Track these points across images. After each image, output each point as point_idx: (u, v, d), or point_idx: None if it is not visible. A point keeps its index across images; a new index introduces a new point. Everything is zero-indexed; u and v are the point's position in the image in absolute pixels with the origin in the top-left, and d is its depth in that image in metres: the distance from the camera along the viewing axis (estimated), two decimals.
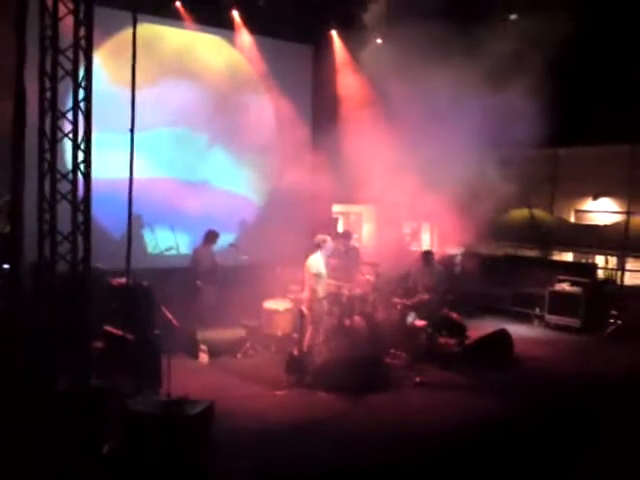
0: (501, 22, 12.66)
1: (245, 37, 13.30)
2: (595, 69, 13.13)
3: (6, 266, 8.87)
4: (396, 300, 11.41)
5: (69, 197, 7.10)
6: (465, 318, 12.15)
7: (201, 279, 11.38)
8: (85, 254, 7.07)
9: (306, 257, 10.27)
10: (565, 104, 12.10)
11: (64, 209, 7.20)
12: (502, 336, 11.42)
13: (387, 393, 9.39)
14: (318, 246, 10.23)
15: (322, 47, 14.39)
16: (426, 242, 16.63)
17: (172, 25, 12.54)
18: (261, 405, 8.70)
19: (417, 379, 9.90)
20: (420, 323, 11.22)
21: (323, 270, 10.12)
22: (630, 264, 15.63)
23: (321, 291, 10.06)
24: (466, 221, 13.45)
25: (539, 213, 17.11)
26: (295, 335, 10.13)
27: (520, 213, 17.02)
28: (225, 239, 12.15)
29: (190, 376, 9.29)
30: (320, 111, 14.46)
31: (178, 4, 12.28)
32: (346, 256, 12.04)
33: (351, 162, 12.98)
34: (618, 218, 16.15)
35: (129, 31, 7.99)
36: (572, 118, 13.24)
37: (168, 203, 12.25)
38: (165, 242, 12.04)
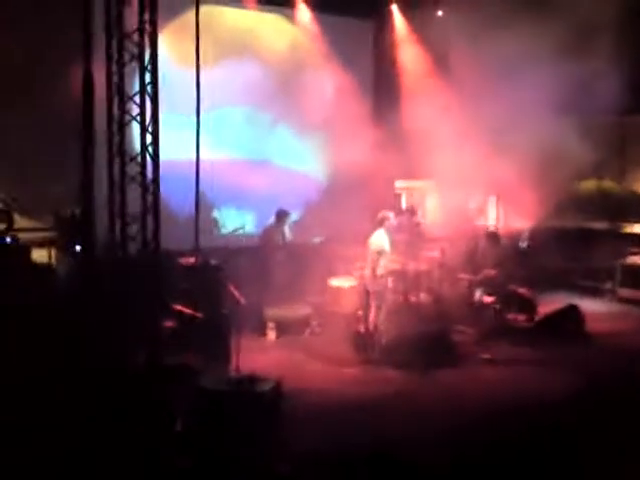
0: None
1: (305, 14, 13.27)
2: None
3: (78, 247, 9.14)
4: (463, 276, 11.30)
5: (138, 179, 7.22)
6: (535, 293, 11.94)
7: (271, 258, 11.46)
8: (155, 234, 7.19)
9: (369, 234, 10.24)
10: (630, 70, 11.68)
11: (133, 191, 7.34)
12: (572, 311, 11.22)
13: (455, 369, 9.36)
14: (381, 223, 10.18)
15: (383, 22, 14.22)
16: (492, 217, 16.36)
17: (233, 5, 12.57)
18: (329, 382, 8.76)
19: (485, 355, 9.81)
20: (488, 299, 11.09)
21: (386, 247, 10.07)
22: None
23: (384, 268, 10.01)
24: (533, 194, 13.20)
25: (608, 184, 16.64)
26: (360, 312, 10.13)
27: (589, 184, 16.58)
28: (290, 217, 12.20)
29: (258, 354, 9.41)
30: (381, 86, 14.34)
31: None
32: (411, 232, 11.95)
33: (414, 137, 12.85)
34: None
35: (192, 13, 8.07)
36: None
37: (234, 183, 12.31)
38: (232, 221, 12.17)
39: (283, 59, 13.10)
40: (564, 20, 11.05)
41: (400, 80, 14.17)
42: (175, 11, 11.32)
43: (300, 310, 11.14)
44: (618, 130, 16.26)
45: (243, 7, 12.60)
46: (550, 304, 11.67)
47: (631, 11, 10.79)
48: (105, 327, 7.25)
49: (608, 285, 13.93)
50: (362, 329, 9.74)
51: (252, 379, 7.15)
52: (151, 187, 7.18)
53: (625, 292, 13.59)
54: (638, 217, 16.09)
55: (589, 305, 12.41)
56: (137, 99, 7.24)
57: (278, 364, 9.14)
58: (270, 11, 13.11)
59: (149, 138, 7.20)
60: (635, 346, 10.58)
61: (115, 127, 7.12)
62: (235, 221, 12.10)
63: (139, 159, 7.20)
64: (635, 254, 13.76)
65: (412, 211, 12.86)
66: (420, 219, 13.03)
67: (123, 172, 7.13)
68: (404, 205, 15.74)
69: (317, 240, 11.96)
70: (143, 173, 7.17)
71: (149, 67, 7.19)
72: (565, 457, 6.77)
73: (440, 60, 13.53)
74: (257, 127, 12.90)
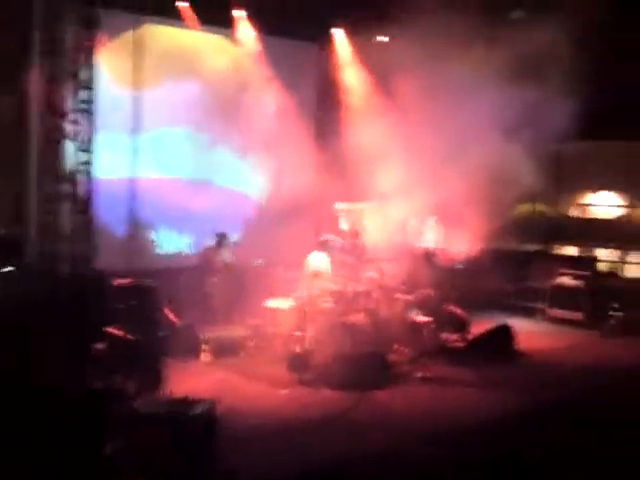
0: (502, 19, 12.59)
1: (248, 35, 13.24)
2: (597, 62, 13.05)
3: (9, 268, 8.91)
4: (399, 296, 11.42)
5: (71, 198, 7.12)
6: (469, 313, 12.14)
7: (208, 279, 11.40)
8: (87, 255, 7.09)
9: (308, 255, 10.30)
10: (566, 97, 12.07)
11: (67, 210, 7.24)
12: (504, 331, 11.47)
13: (391, 389, 9.40)
14: (321, 245, 10.29)
15: (326, 45, 14.35)
16: (430, 238, 16.60)
17: (175, 25, 12.46)
18: (265, 404, 8.69)
19: (420, 375, 9.93)
20: (423, 319, 11.25)
21: (325, 268, 10.15)
22: (631, 257, 15.63)
23: (322, 289, 10.08)
24: (471, 216, 13.44)
25: (542, 208, 17.10)
26: (298, 333, 10.14)
27: (524, 208, 17.00)
28: (229, 238, 12.15)
29: (193, 376, 9.28)
30: (324, 108, 14.46)
31: (181, 4, 12.22)
32: (353, 254, 12.05)
33: (355, 159, 12.97)
34: (620, 211, 16.14)
35: (132, 32, 8.03)
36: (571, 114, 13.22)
37: (172, 203, 12.21)
38: (169, 242, 12.05)
39: (225, 80, 13.03)
40: (508, 49, 11.33)
41: (342, 103, 14.29)
42: (116, 30, 11.17)
43: (236, 331, 11.07)
44: (553, 156, 16.78)
45: (185, 27, 12.51)
46: (484, 324, 11.88)
47: (575, 41, 11.11)
48: (34, 348, 7.09)
49: (539, 305, 14.26)
50: (299, 350, 9.74)
51: (186, 402, 7.06)
52: (84, 206, 7.08)
53: (556, 312, 13.94)
54: (567, 239, 16.61)
55: (521, 324, 12.69)
56: (72, 117, 7.15)
57: (213, 386, 9.02)
58: (213, 32, 13.07)
59: (83, 157, 7.11)
60: (564, 365, 10.88)
61: (48, 145, 7.02)
62: (173, 241, 11.99)
63: (72, 178, 7.09)
64: (564, 275, 14.13)
65: (355, 234, 12.93)
66: (362, 241, 13.13)
67: (55, 191, 7.02)
68: (344, 227, 15.86)
69: (258, 262, 11.93)
70: (75, 192, 7.07)
71: (85, 85, 7.12)
72: (500, 474, 6.88)
73: (383, 84, 13.72)
74: (198, 147, 12.83)
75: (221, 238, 11.69)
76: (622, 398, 9.11)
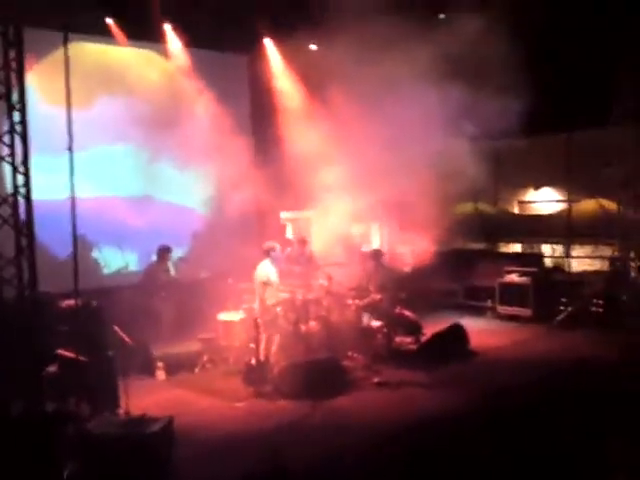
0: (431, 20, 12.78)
1: (178, 50, 13.16)
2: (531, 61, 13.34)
3: None
4: (349, 302, 11.47)
5: (11, 221, 6.97)
6: (419, 315, 12.26)
7: (155, 295, 11.28)
8: (31, 278, 6.95)
9: (257, 265, 10.28)
10: (501, 95, 12.29)
11: (7, 233, 7.08)
12: (456, 330, 11.61)
13: (347, 395, 9.42)
14: (266, 253, 10.28)
15: (257, 55, 14.38)
16: (376, 242, 16.73)
17: (104, 42, 12.35)
18: (221, 417, 8.66)
19: (376, 380, 9.97)
20: (375, 323, 11.31)
21: (273, 277, 10.15)
22: (575, 251, 15.99)
23: (272, 298, 10.07)
24: (413, 219, 13.59)
25: (484, 206, 17.40)
26: (251, 345, 10.10)
27: (465, 207, 17.27)
28: (175, 253, 12.05)
29: (148, 394, 9.20)
30: (260, 118, 14.47)
31: (109, 21, 12.11)
32: (302, 262, 12.07)
33: (295, 167, 13.00)
34: (561, 207, 16.50)
35: (61, 50, 7.91)
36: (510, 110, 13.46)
37: (114, 221, 12.08)
38: (114, 261, 11.88)
39: (158, 95, 12.95)
40: (437, 49, 11.49)
41: (277, 111, 14.32)
42: (45, 49, 11.07)
43: (189, 347, 10.97)
44: (491, 154, 17.08)
45: (113, 43, 12.40)
46: (435, 325, 12.00)
47: (515, 38, 11.31)
48: None
49: (488, 303, 14.48)
50: (253, 361, 9.70)
51: (141, 420, 6.98)
52: (24, 229, 6.94)
53: (505, 309, 14.18)
54: (511, 237, 16.93)
55: (472, 323, 12.86)
56: (7, 139, 7.01)
57: (168, 403, 8.94)
58: (142, 47, 12.98)
59: (21, 179, 6.98)
60: (515, 360, 11.07)
61: None
62: (117, 260, 11.83)
63: (11, 200, 6.95)
64: (511, 272, 14.37)
65: (302, 241, 12.96)
66: (309, 249, 13.16)
67: None
68: (290, 235, 15.89)
69: (203, 275, 11.85)
70: (15, 215, 6.93)
71: (18, 106, 7.00)
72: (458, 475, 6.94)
73: (316, 91, 13.79)
74: (136, 163, 12.68)
75: (163, 252, 11.58)
76: (572, 388, 9.30)
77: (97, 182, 12.00)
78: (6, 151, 7.04)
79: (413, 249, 15.47)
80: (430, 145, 12.13)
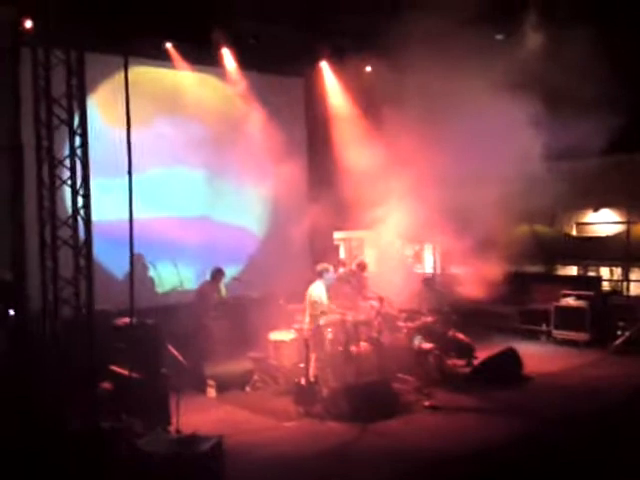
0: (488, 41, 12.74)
1: (236, 74, 13.38)
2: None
3: (12, 312, 8.97)
4: (401, 324, 11.42)
5: (70, 242, 7.19)
6: (473, 338, 12.13)
7: (207, 315, 11.43)
8: (88, 297, 7.14)
9: (309, 286, 10.35)
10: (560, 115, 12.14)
11: (67, 254, 7.30)
12: (510, 354, 11.42)
13: (397, 419, 9.36)
14: (319, 275, 10.34)
15: (313, 79, 14.54)
16: (429, 263, 16.65)
17: (163, 66, 12.68)
18: (271, 437, 8.70)
19: (427, 403, 9.88)
20: (427, 346, 11.23)
21: (324, 298, 10.19)
22: (635, 274, 15.61)
23: (323, 319, 10.12)
24: (468, 240, 13.49)
25: (540, 228, 17.14)
26: (302, 365, 10.15)
27: (522, 229, 17.03)
28: (228, 272, 12.21)
29: (199, 412, 9.33)
30: (315, 140, 14.61)
31: (168, 45, 12.42)
32: (352, 283, 12.08)
33: (350, 188, 13.07)
34: (619, 228, 16.16)
35: (121, 74, 8.15)
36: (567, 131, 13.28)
37: (170, 241, 12.33)
38: (169, 279, 12.09)
39: (215, 117, 13.22)
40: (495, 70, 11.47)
41: (333, 133, 14.44)
42: (105, 73, 11.43)
43: (240, 366, 11.08)
44: (550, 175, 16.84)
45: (173, 67, 12.71)
46: (488, 348, 11.86)
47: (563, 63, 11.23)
48: (41, 391, 7.12)
49: (544, 327, 14.23)
50: (303, 382, 9.74)
51: (192, 439, 7.07)
52: (83, 250, 7.15)
53: (560, 333, 13.91)
54: (569, 259, 16.61)
55: (526, 347, 12.64)
56: (67, 162, 7.25)
57: (219, 422, 9.06)
58: (200, 70, 13.24)
59: (80, 201, 7.20)
60: (572, 386, 10.81)
61: (45, 191, 7.11)
62: (172, 278, 12.02)
63: (71, 222, 7.17)
64: (567, 296, 14.12)
65: (362, 266, 12.98)
66: (363, 270, 13.17)
67: (54, 236, 7.09)
68: (342, 255, 15.95)
69: (255, 295, 11.98)
70: (75, 236, 7.14)
71: (78, 131, 7.23)
72: None
73: (372, 112, 13.88)
74: (192, 184, 12.98)
75: (216, 274, 11.75)
76: (631, 415, 9.07)
77: (155, 203, 12.28)
78: (67, 174, 7.26)
79: (467, 270, 15.36)
80: (486, 166, 12.07)
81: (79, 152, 7.23)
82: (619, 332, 13.39)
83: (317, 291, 10.18)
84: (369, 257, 15.89)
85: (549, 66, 11.63)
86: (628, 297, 14.89)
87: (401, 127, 12.79)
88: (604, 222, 16.91)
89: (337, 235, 15.78)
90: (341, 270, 12.73)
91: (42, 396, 7.09)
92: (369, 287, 12.42)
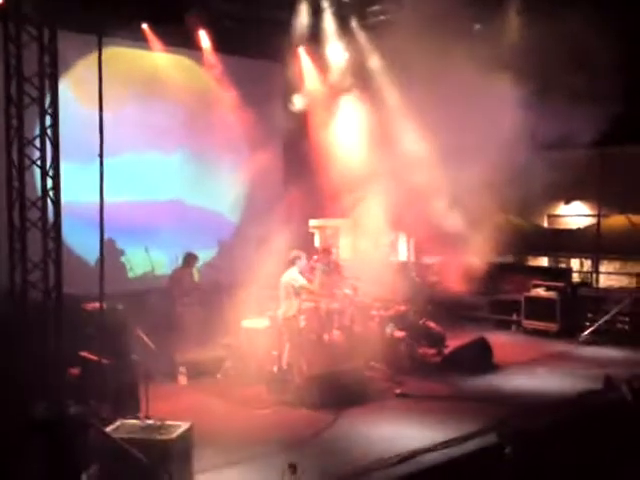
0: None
1: (212, 57, 13.23)
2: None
3: None
4: (374, 312, 11.42)
5: (39, 224, 7.03)
6: (444, 327, 12.17)
7: (180, 301, 11.34)
8: (57, 281, 7.00)
9: (282, 273, 10.28)
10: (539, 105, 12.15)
11: (36, 236, 7.15)
12: (481, 343, 11.51)
13: (369, 406, 9.38)
14: (292, 262, 10.27)
15: (291, 64, 14.41)
16: (403, 252, 16.67)
17: (139, 47, 12.48)
18: (243, 425, 8.65)
19: (398, 391, 9.91)
20: (399, 334, 11.25)
21: (301, 282, 10.14)
22: (604, 267, 15.79)
23: (296, 307, 10.06)
24: (442, 230, 13.51)
25: (512, 219, 17.23)
26: (275, 353, 10.10)
27: (494, 220, 17.08)
28: (201, 257, 12.11)
29: (169, 399, 9.24)
30: (291, 126, 14.48)
31: (144, 26, 12.21)
32: (327, 272, 12.03)
33: (325, 176, 13.02)
34: (590, 221, 16.31)
35: (95, 55, 8.00)
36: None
37: (142, 225, 12.21)
38: (141, 264, 11.94)
39: (191, 101, 13.05)
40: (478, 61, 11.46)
41: (310, 119, 14.35)
42: (79, 53, 11.21)
43: (212, 353, 11.00)
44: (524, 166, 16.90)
45: (148, 49, 12.51)
46: (459, 337, 11.92)
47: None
48: (4, 375, 6.98)
49: (514, 317, 14.34)
50: (276, 369, 9.69)
51: (161, 425, 6.99)
52: (52, 232, 7.00)
53: (530, 323, 14.03)
54: (540, 251, 16.74)
55: (497, 337, 12.73)
56: (37, 143, 7.08)
57: (189, 409, 8.96)
58: (176, 52, 13.05)
59: (50, 182, 7.03)
60: (539, 374, 10.93)
61: (14, 171, 6.93)
62: (144, 263, 11.88)
63: (39, 204, 7.01)
64: (538, 286, 14.23)
65: (327, 251, 12.94)
66: (335, 258, 13.14)
67: (23, 217, 6.93)
68: (317, 243, 15.90)
69: (228, 281, 11.88)
70: (44, 218, 6.99)
71: (50, 110, 7.06)
72: None
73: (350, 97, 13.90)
74: (166, 168, 12.82)
75: (190, 259, 11.65)
76: (600, 405, 9.17)
77: (127, 186, 12.10)
78: (37, 155, 7.09)
79: (440, 260, 15.42)
80: (459, 158, 12.08)
81: (49, 132, 7.05)
82: (588, 323, 13.54)
83: (291, 278, 10.13)
84: (344, 246, 15.90)
85: (527, 54, 11.65)
86: (597, 289, 15.05)
87: (379, 112, 12.81)
88: (575, 215, 17.06)
89: (312, 223, 15.72)
90: (315, 258, 12.68)
91: (8, 381, 6.94)
92: (343, 275, 12.40)
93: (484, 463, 7.57)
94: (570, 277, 15.43)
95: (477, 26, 12.93)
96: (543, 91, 11.62)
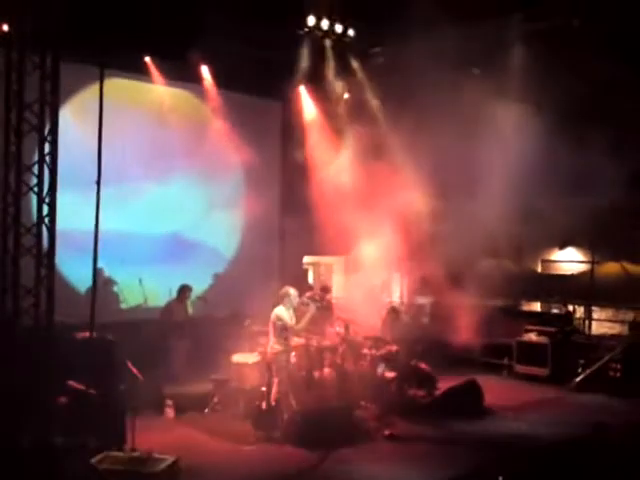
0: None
1: (214, 92, 13.34)
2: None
3: None
4: (365, 351, 11.38)
5: (33, 251, 7.04)
6: (435, 369, 12.11)
7: (172, 333, 11.29)
8: (48, 308, 6.99)
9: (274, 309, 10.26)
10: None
11: (28, 263, 7.15)
12: (471, 386, 11.42)
13: (357, 446, 9.26)
14: (281, 298, 10.20)
15: (291, 102, 14.56)
16: (396, 292, 16.67)
17: (140, 80, 12.57)
18: (229, 461, 8.58)
19: (387, 432, 9.82)
20: (390, 374, 11.19)
21: (288, 322, 10.09)
22: (596, 314, 15.77)
23: (286, 343, 10.00)
24: (435, 271, 13.55)
25: (506, 263, 17.25)
26: (263, 388, 10.02)
27: (488, 263, 17.13)
28: (194, 292, 12.08)
29: (156, 432, 9.15)
30: (289, 165, 14.57)
31: (147, 59, 12.34)
32: (320, 309, 12.02)
33: (322, 214, 13.09)
34: (584, 267, 16.33)
35: (96, 85, 8.10)
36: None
37: (136, 256, 12.19)
38: (133, 296, 11.89)
39: (190, 135, 13.15)
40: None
41: (307, 158, 14.45)
42: (80, 83, 11.30)
43: (201, 387, 10.91)
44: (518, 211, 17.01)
45: (150, 82, 12.59)
46: (450, 379, 11.83)
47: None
48: None
49: (505, 361, 14.29)
50: (264, 405, 9.62)
51: (147, 458, 6.93)
52: (45, 259, 7.01)
53: (522, 368, 13.97)
54: (534, 295, 16.74)
55: (487, 380, 12.62)
56: (35, 169, 7.13)
57: (175, 442, 8.86)
58: (178, 87, 13.14)
59: (46, 209, 7.07)
60: (531, 422, 10.82)
61: (10, 197, 6.97)
62: (136, 295, 11.82)
63: (34, 230, 7.04)
64: (530, 331, 14.21)
65: (325, 289, 12.96)
66: (329, 295, 13.13)
67: (18, 243, 6.95)
68: (311, 280, 15.91)
69: (221, 315, 11.86)
70: (38, 245, 7.01)
71: (49, 138, 7.13)
72: None
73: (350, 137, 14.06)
74: (163, 200, 12.82)
75: (184, 290, 11.62)
76: (591, 449, 9.08)
77: (122, 216, 12.10)
78: (34, 181, 7.14)
79: (432, 302, 15.42)
80: (450, 201, 12.19)
81: (48, 159, 7.12)
82: (579, 369, 13.49)
83: (281, 314, 10.09)
84: (336, 283, 15.89)
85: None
86: (589, 336, 15.02)
87: (378, 154, 12.92)
88: (568, 261, 17.09)
89: (306, 259, 15.74)
90: (307, 295, 12.66)
91: None
92: (335, 313, 12.39)
93: None
94: (563, 322, 15.38)
95: (476, 70, 13.11)
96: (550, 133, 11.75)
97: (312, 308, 10.63)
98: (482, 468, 8.50)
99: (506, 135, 11.79)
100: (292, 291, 10.23)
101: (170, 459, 6.99)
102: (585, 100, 11.69)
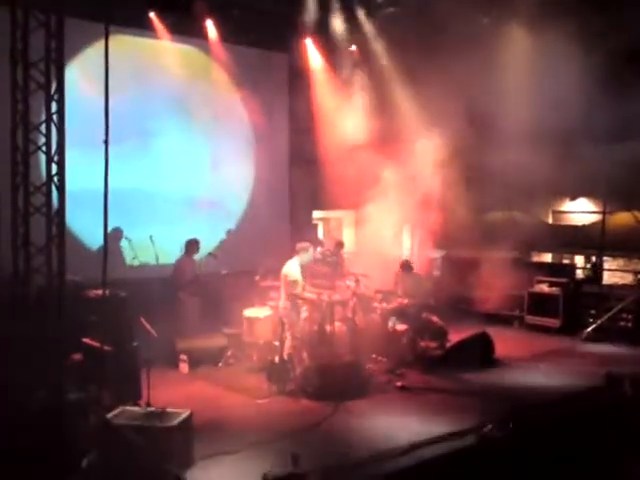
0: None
1: (219, 46, 13.20)
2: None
3: None
4: (376, 305, 11.42)
5: (43, 210, 7.04)
6: (446, 321, 12.15)
7: (183, 290, 11.35)
8: (60, 266, 7.01)
9: (285, 264, 10.30)
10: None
11: (39, 222, 7.16)
12: (483, 338, 11.49)
13: (369, 398, 9.38)
14: (297, 252, 10.27)
15: (298, 54, 14.39)
16: (407, 245, 16.66)
17: (146, 36, 12.46)
18: (243, 414, 8.66)
19: (399, 384, 9.91)
20: (401, 327, 11.25)
21: (299, 277, 10.13)
22: (608, 263, 15.74)
23: (299, 298, 10.07)
24: (446, 224, 13.52)
25: (517, 215, 17.19)
26: (276, 343, 10.11)
27: (499, 215, 17.08)
28: (205, 248, 12.09)
29: (170, 387, 9.29)
30: (297, 117, 14.47)
31: (152, 14, 12.20)
32: (332, 264, 12.07)
33: (330, 167, 13.04)
34: (596, 218, 16.25)
35: (101, 42, 7.98)
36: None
37: (146, 214, 12.21)
38: (144, 253, 11.93)
39: (197, 91, 13.06)
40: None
41: (315, 110, 14.35)
42: (86, 40, 11.22)
43: (214, 341, 11.02)
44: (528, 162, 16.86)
45: (155, 37, 12.48)
46: (461, 331, 11.88)
47: None
48: (7, 360, 7.00)
49: (517, 312, 14.32)
50: (277, 359, 9.71)
51: (162, 413, 7.02)
52: (56, 218, 7.01)
53: (532, 319, 14.01)
54: (545, 247, 16.69)
55: (499, 332, 12.67)
56: (43, 128, 7.08)
57: (190, 397, 8.99)
58: (183, 41, 13.02)
59: (55, 168, 7.04)
60: (541, 372, 10.89)
61: (19, 157, 6.94)
62: (147, 252, 11.83)
63: (44, 189, 7.02)
64: (541, 282, 14.21)
65: (341, 244, 13.01)
66: (341, 250, 13.16)
67: (27, 202, 6.94)
68: (321, 235, 15.92)
69: (231, 271, 11.89)
70: (48, 204, 7.00)
71: (55, 96, 7.06)
72: None
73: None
74: (173, 158, 12.79)
75: (191, 245, 11.64)
76: (602, 402, 9.15)
77: (132, 174, 12.11)
78: (42, 140, 7.10)
79: (443, 254, 15.41)
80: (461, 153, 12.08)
81: (55, 118, 7.05)
82: (591, 320, 13.51)
83: (293, 269, 10.12)
84: (347, 237, 15.89)
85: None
86: (601, 286, 15.00)
87: (386, 104, 12.80)
88: (579, 211, 17.01)
89: (316, 214, 15.72)
90: (319, 250, 12.69)
91: (9, 365, 6.95)
92: (346, 267, 12.43)
93: (484, 456, 7.54)
94: (574, 273, 15.38)
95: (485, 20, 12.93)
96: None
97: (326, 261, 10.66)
98: (495, 419, 8.56)
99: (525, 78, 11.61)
100: (310, 249, 10.31)
101: (185, 413, 7.06)
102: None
